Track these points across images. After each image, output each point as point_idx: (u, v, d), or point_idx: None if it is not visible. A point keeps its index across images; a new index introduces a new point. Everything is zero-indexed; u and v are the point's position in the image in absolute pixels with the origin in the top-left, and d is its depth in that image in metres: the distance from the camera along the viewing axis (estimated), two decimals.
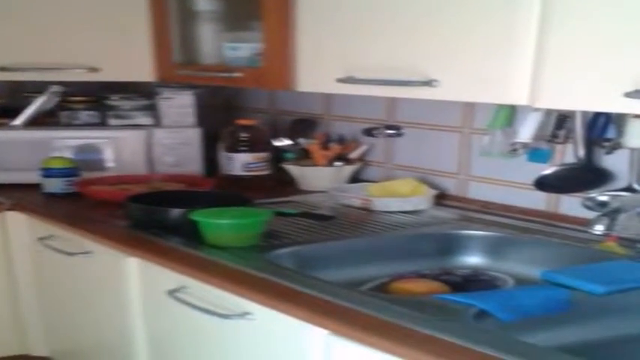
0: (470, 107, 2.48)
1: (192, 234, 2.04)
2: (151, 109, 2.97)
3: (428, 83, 1.90)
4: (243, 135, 2.78)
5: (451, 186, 2.56)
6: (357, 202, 2.47)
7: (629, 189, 2.08)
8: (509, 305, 1.60)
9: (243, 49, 2.51)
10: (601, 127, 2.14)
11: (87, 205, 2.52)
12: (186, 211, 2.07)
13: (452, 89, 1.89)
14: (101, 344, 2.38)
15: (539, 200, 2.32)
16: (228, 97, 3.27)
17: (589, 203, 2.13)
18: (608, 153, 2.14)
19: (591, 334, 1.62)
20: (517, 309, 1.59)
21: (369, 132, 2.72)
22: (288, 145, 2.83)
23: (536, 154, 2.28)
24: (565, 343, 1.56)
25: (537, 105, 1.76)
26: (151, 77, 2.79)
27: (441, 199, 2.52)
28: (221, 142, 2.84)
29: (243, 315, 1.75)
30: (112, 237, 2.16)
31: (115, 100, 2.98)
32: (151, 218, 2.17)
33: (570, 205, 2.24)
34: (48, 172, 2.66)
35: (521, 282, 1.94)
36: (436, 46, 1.90)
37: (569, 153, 2.22)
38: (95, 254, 2.23)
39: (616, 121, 2.09)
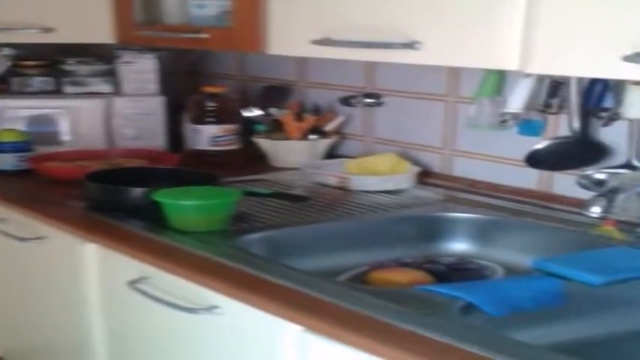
0: (455, 73, 2.45)
1: (154, 216, 2.00)
2: (110, 75, 2.92)
3: (410, 46, 1.86)
4: (210, 104, 2.74)
5: (435, 162, 2.54)
6: (333, 181, 2.44)
7: (628, 166, 2.06)
8: (499, 298, 1.57)
9: (209, 6, 2.47)
10: (597, 96, 2.11)
11: (41, 183, 2.48)
12: (148, 190, 2.03)
13: (436, 52, 1.86)
14: (56, 340, 2.34)
15: (531, 178, 2.30)
16: (193, 61, 3.23)
17: (584, 182, 2.11)
18: (606, 125, 2.12)
19: (587, 330, 1.60)
20: (507, 302, 1.57)
21: (346, 101, 2.68)
22: (259, 116, 2.79)
23: (527, 126, 2.26)
24: (559, 340, 1.55)
25: (528, 70, 1.73)
26: (109, 39, 2.74)
27: (424, 177, 2.50)
28: (186, 112, 2.80)
29: (211, 309, 1.72)
30: (67, 220, 2.13)
31: (71, 65, 2.94)
32: (110, 199, 2.14)
33: (564, 183, 2.22)
34: None
35: (512, 271, 1.92)
36: (419, 5, 1.86)
37: (563, 125, 2.19)
38: (50, 239, 2.19)
39: (614, 88, 2.07)
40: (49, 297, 2.29)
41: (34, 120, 2.79)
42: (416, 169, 2.47)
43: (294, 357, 1.57)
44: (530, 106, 2.19)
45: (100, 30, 2.71)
